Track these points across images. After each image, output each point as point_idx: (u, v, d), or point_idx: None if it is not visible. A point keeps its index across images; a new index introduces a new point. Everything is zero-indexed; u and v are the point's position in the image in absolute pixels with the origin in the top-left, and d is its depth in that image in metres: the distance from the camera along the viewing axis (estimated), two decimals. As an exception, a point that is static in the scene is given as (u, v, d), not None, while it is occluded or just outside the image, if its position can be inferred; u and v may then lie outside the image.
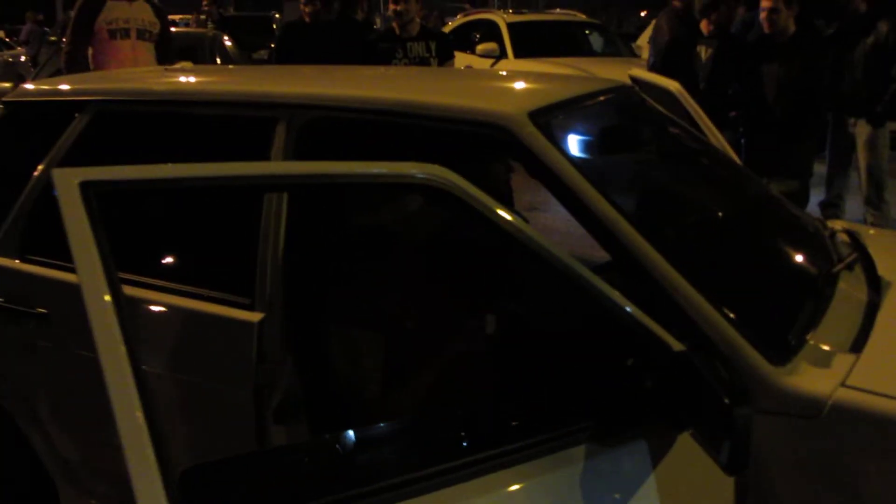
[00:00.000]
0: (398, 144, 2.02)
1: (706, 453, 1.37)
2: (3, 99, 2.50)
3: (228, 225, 1.94)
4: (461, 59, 8.88)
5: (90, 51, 4.45)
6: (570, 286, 1.42)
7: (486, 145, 1.98)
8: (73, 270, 2.04)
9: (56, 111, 2.35)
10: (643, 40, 12.27)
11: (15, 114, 2.47)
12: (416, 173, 1.38)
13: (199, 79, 2.64)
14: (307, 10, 5.46)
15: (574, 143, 1.92)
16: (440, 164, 1.41)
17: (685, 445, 1.42)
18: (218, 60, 6.88)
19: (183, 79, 2.50)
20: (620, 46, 9.70)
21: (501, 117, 1.81)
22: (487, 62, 8.28)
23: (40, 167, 2.23)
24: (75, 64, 4.39)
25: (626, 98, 2.49)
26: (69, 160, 2.20)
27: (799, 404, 1.43)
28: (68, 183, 1.04)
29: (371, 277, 1.83)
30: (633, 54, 9.65)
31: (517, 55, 8.08)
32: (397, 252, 1.85)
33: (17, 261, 2.19)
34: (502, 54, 8.18)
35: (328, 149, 2.06)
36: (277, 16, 17.72)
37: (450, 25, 10.26)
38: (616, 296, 1.44)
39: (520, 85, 2.48)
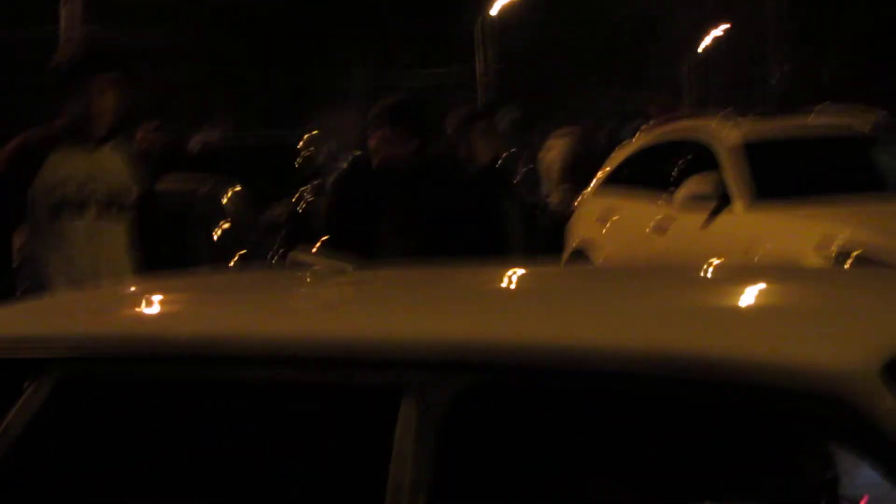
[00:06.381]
0: (636, 425, 2.12)
1: None
2: None
3: None
4: (647, 209, 9.05)
5: (15, 241, 4.66)
6: None
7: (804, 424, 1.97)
8: None
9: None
10: None
11: None
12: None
13: (241, 307, 2.80)
14: (378, 145, 5.68)
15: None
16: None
17: None
18: (215, 235, 7.16)
19: (211, 310, 2.68)
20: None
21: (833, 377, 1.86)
22: (694, 218, 8.26)
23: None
24: None
25: None
26: (23, 451, 2.40)
27: None
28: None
29: None
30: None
31: (755, 199, 8.07)
32: None
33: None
34: (723, 200, 8.17)
35: (493, 441, 2.17)
36: (306, 136, 18.58)
37: (626, 148, 10.41)
38: None
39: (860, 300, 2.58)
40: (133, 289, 3.65)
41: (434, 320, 2.47)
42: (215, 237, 6.89)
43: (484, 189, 5.73)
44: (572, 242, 10.20)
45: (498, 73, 40.35)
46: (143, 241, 4.72)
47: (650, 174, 9.44)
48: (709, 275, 3.31)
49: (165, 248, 4.86)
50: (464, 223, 5.62)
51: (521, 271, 3.46)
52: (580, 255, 9.87)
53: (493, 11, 40.97)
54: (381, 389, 2.16)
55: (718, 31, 41.42)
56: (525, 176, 17.44)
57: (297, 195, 13.44)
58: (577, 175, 11.45)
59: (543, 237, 10.20)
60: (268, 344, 2.36)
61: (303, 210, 12.94)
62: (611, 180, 10.14)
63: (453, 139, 5.84)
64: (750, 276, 3.42)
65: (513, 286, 3.23)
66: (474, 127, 5.92)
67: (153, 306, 3.10)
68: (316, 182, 15.14)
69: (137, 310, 3.14)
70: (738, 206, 7.98)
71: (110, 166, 4.66)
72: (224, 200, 7.63)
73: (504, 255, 5.51)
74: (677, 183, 8.55)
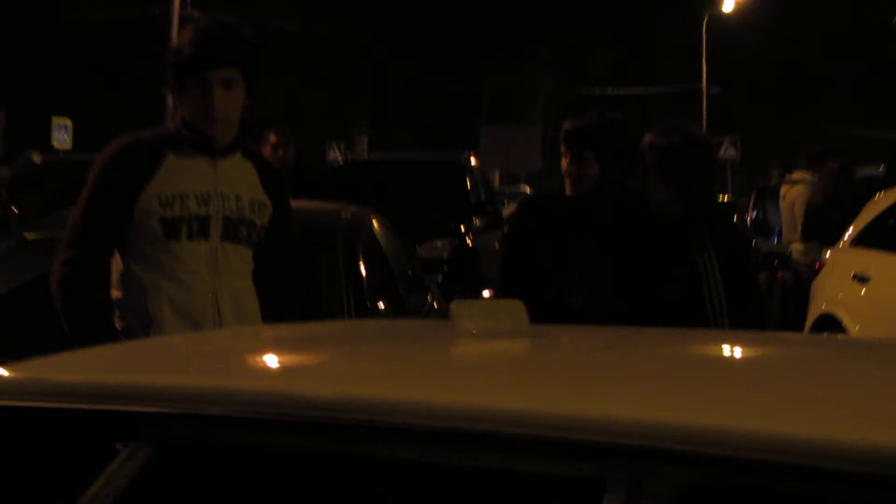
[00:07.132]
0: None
1: None
2: None
3: None
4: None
5: (115, 265, 4.72)
6: None
7: None
8: None
9: (72, 428, 2.64)
10: None
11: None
12: None
13: (398, 367, 2.88)
14: (569, 173, 5.70)
15: None
16: None
17: None
18: (361, 271, 7.21)
19: (361, 368, 2.70)
20: None
21: None
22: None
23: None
24: (82, 297, 4.55)
25: None
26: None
27: None
28: None
29: None
30: None
31: None
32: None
33: None
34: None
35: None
36: (473, 160, 18.90)
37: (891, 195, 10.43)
38: None
39: None
40: (263, 335, 3.71)
41: (648, 399, 2.43)
42: (361, 274, 6.88)
43: (683, 236, 5.64)
44: (819, 305, 10.33)
45: (715, 93, 39.66)
46: (273, 271, 4.76)
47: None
48: None
49: (299, 285, 4.93)
50: (667, 275, 5.57)
51: (758, 342, 3.47)
52: (829, 320, 9.97)
53: (722, 11, 39.99)
54: (576, 481, 2.14)
55: None
56: (755, 222, 17.49)
57: (463, 228, 13.57)
58: (823, 224, 11.44)
59: (783, 295, 10.26)
60: (431, 415, 2.34)
61: (470, 246, 13.04)
62: (870, 232, 10.21)
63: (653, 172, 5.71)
64: None
65: (749, 360, 3.22)
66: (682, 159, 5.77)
67: (288, 358, 3.14)
68: (488, 213, 15.31)
69: (268, 362, 3.19)
70: None
71: (240, 178, 4.71)
72: (372, 230, 7.65)
73: (703, 317, 5.45)
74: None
